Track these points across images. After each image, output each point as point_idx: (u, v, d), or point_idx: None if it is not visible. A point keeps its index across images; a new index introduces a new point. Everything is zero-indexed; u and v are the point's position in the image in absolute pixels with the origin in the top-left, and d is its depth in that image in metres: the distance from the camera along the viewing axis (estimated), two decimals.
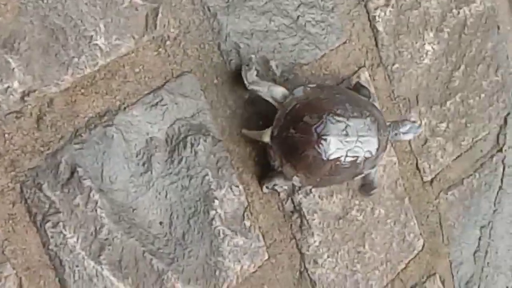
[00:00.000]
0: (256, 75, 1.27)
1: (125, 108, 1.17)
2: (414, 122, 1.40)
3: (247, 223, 1.30)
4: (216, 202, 1.25)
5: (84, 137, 1.13)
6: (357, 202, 1.44)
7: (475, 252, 1.67)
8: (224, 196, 1.27)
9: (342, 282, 1.43)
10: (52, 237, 1.11)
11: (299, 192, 1.36)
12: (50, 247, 1.11)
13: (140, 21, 1.18)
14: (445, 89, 1.58)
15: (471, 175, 1.66)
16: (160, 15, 1.19)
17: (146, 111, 1.19)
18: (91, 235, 1.14)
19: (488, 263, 1.69)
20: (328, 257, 1.41)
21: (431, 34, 1.55)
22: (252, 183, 1.31)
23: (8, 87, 1.07)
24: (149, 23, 1.19)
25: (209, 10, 1.25)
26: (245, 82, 1.26)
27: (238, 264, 1.28)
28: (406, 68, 1.52)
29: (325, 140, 1.22)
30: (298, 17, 1.36)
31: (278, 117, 1.26)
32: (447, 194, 1.61)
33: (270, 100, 1.27)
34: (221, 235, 1.26)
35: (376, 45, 1.48)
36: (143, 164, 1.19)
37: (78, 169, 1.12)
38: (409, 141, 1.53)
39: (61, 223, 1.11)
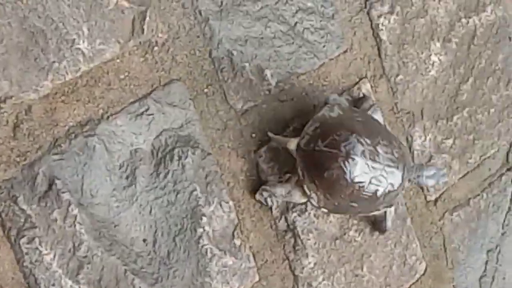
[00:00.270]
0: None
1: (108, 117, 1.17)
2: (440, 169, 1.41)
3: (237, 242, 1.29)
4: (204, 219, 1.25)
5: (64, 148, 1.13)
6: (355, 221, 1.44)
7: (481, 278, 1.67)
8: (212, 212, 1.26)
9: None
10: (27, 253, 1.11)
11: (293, 210, 1.36)
12: (25, 264, 1.11)
13: (126, 25, 1.18)
14: (452, 103, 1.58)
15: (478, 195, 1.66)
16: (147, 19, 1.19)
17: (130, 121, 1.19)
18: (69, 252, 1.14)
19: None
20: (323, 279, 1.40)
21: (438, 45, 1.55)
22: (243, 200, 1.31)
23: None
24: (136, 27, 1.19)
25: (200, 14, 1.25)
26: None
27: (227, 285, 1.28)
28: (411, 80, 1.52)
29: (352, 159, 1.24)
30: (295, 23, 1.36)
31: (306, 130, 1.28)
32: (452, 215, 1.61)
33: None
34: (209, 255, 1.26)
35: (379, 55, 1.48)
36: (127, 177, 1.19)
37: (57, 181, 1.12)
38: (412, 158, 1.53)
39: (37, 239, 1.11)
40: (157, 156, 1.22)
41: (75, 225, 1.14)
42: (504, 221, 1.71)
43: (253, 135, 1.32)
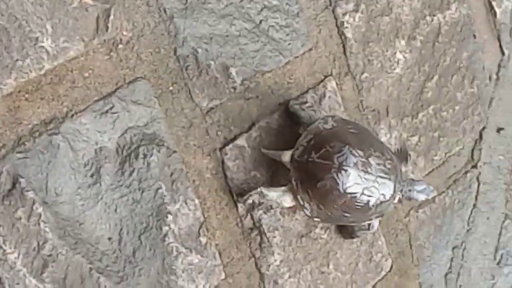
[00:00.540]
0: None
1: (72, 115, 1.18)
2: (429, 185, 1.46)
3: (203, 240, 1.31)
4: (170, 217, 1.26)
5: (28, 146, 1.14)
6: None
7: (446, 274, 1.69)
8: (178, 210, 1.28)
9: None
10: None
11: (259, 207, 1.37)
12: None
13: (91, 23, 1.19)
14: (417, 100, 1.61)
15: (443, 192, 1.68)
16: (112, 16, 1.20)
17: (95, 119, 1.20)
18: (34, 250, 1.14)
19: (460, 286, 1.71)
20: (289, 277, 1.42)
21: (403, 42, 1.58)
22: (209, 197, 1.32)
23: None
24: (100, 25, 1.20)
25: (165, 12, 1.27)
26: (290, 102, 1.39)
27: (193, 283, 1.29)
28: (376, 77, 1.54)
29: (345, 170, 1.28)
30: (260, 21, 1.38)
31: (300, 141, 1.33)
32: (417, 212, 1.63)
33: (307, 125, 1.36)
34: (175, 253, 1.27)
35: (344, 52, 1.50)
36: (92, 176, 1.20)
37: (21, 179, 1.13)
38: None
39: (0, 238, 1.11)
40: (122, 154, 1.23)
41: (39, 224, 1.14)
42: (469, 218, 1.74)
43: (219, 133, 1.34)
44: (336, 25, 1.48)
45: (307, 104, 1.41)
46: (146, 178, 1.24)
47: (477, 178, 1.74)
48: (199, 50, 1.31)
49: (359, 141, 1.32)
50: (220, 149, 1.34)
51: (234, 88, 1.35)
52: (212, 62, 1.32)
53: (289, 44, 1.41)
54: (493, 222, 1.76)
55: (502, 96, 1.76)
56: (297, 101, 1.40)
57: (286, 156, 1.33)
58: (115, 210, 1.22)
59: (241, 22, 1.35)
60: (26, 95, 1.13)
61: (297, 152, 1.32)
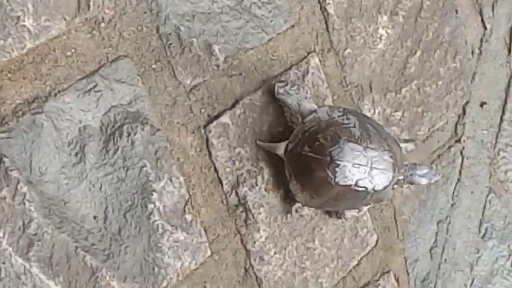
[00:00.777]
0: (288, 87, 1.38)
1: (55, 94, 1.18)
2: (432, 169, 1.45)
3: (188, 217, 1.32)
4: (155, 195, 1.27)
5: (11, 125, 1.14)
6: None
7: (431, 248, 1.71)
8: (163, 188, 1.28)
9: (290, 280, 1.45)
10: None
11: (244, 184, 1.38)
12: None
13: (72, 1, 1.19)
14: (400, 76, 1.62)
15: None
16: None
17: (78, 98, 1.20)
18: (19, 230, 1.15)
19: (445, 259, 1.73)
20: (275, 253, 1.43)
21: (385, 18, 1.58)
22: (194, 175, 1.33)
23: None
24: (81, 3, 1.20)
25: None
26: (276, 92, 1.38)
27: (179, 260, 1.30)
28: (359, 53, 1.55)
29: (337, 165, 1.29)
30: None
31: (295, 133, 1.34)
32: (402, 187, 1.64)
33: (297, 113, 1.37)
34: (160, 230, 1.28)
35: (327, 29, 1.50)
36: (76, 155, 1.20)
37: (5, 159, 1.13)
38: None
39: None
40: (106, 133, 1.23)
41: (24, 203, 1.15)
42: (453, 192, 1.75)
43: (202, 110, 1.34)
44: (319, 1, 1.49)
45: (293, 88, 1.41)
46: (130, 156, 1.25)
47: (461, 153, 1.75)
48: (182, 28, 1.31)
49: (354, 132, 1.32)
50: (204, 126, 1.35)
51: (217, 66, 1.36)
52: (194, 40, 1.32)
53: (271, 21, 1.42)
54: (477, 196, 1.78)
55: (484, 71, 1.77)
56: (282, 84, 1.40)
57: (280, 149, 1.36)
58: (100, 188, 1.22)
59: None
60: (9, 75, 1.13)
61: (291, 144, 1.34)
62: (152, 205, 1.27)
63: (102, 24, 1.22)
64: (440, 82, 1.68)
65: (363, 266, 1.58)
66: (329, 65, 1.51)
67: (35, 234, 1.16)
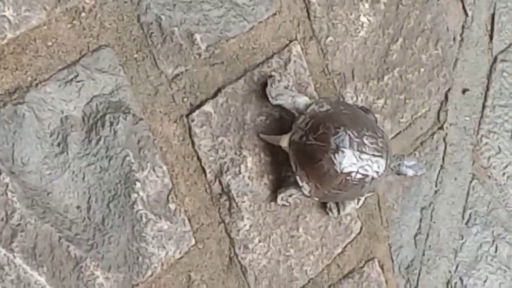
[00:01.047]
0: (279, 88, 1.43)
1: (37, 84, 1.18)
2: (420, 161, 1.56)
3: (172, 207, 1.32)
4: (138, 184, 1.28)
5: None
6: None
7: (415, 235, 1.72)
8: (146, 178, 1.29)
9: (274, 268, 1.46)
10: None
11: (227, 173, 1.39)
12: None
13: None
14: (382, 63, 1.63)
15: (410, 154, 1.71)
16: None
17: (60, 88, 1.21)
18: (2, 220, 1.15)
19: (429, 246, 1.74)
20: (259, 241, 1.44)
21: (367, 5, 1.59)
22: (177, 164, 1.33)
23: None
24: None
25: None
26: (269, 98, 1.42)
27: (163, 250, 1.31)
28: (341, 41, 1.55)
29: (342, 151, 1.35)
30: None
31: (298, 124, 1.39)
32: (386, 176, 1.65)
33: (293, 110, 1.41)
34: (144, 220, 1.28)
35: (308, 17, 1.51)
36: (58, 145, 1.20)
37: None
38: None
39: None
40: (89, 123, 1.23)
41: (7, 194, 1.15)
42: (437, 179, 1.76)
43: (185, 99, 1.34)
44: None
45: (282, 83, 1.44)
46: (113, 146, 1.25)
47: (444, 139, 1.76)
48: (163, 17, 1.31)
49: (353, 122, 1.38)
50: (187, 115, 1.35)
51: (199, 55, 1.36)
52: (176, 29, 1.33)
53: (253, 9, 1.42)
54: (461, 183, 1.79)
55: (466, 57, 1.78)
56: (273, 85, 1.43)
57: (284, 141, 1.39)
58: (83, 178, 1.23)
59: None
60: None
61: (295, 135, 1.38)
62: (135, 195, 1.27)
63: (83, 14, 1.22)
64: (422, 69, 1.69)
65: (347, 254, 1.59)
66: (311, 53, 1.51)
67: (18, 225, 1.16)
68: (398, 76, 1.65)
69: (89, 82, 1.23)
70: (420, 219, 1.73)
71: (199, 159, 1.36)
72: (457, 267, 1.78)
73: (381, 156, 1.40)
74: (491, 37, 1.82)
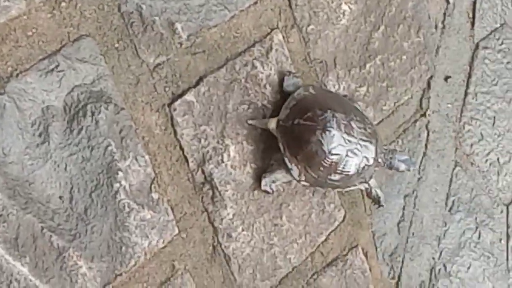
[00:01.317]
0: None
1: (17, 74, 1.18)
2: (411, 157, 1.60)
3: (155, 196, 1.33)
4: (120, 174, 1.28)
5: None
6: None
7: (399, 223, 1.73)
8: (128, 167, 1.29)
9: (258, 257, 1.47)
10: None
11: (210, 162, 1.39)
12: None
13: None
14: (364, 51, 1.63)
15: (393, 141, 1.71)
16: None
17: (41, 78, 1.21)
18: None
19: (413, 233, 1.75)
20: (242, 230, 1.45)
21: None
22: (159, 153, 1.34)
23: None
24: None
25: None
26: (284, 86, 1.47)
27: (146, 239, 1.31)
28: (322, 29, 1.56)
29: (329, 131, 1.37)
30: None
31: (286, 106, 1.41)
32: None
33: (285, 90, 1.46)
34: (127, 209, 1.29)
35: (290, 5, 1.51)
36: (40, 135, 1.21)
37: None
38: None
39: None
40: (70, 113, 1.24)
41: None
42: (420, 166, 1.77)
43: (167, 89, 1.35)
44: None
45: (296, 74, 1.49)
46: (95, 135, 1.26)
47: (426, 127, 1.77)
48: (143, 6, 1.31)
49: (340, 106, 1.41)
50: (169, 104, 1.35)
51: (180, 44, 1.36)
52: (157, 18, 1.33)
53: None
54: (444, 170, 1.80)
55: (448, 45, 1.79)
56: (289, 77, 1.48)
57: (272, 123, 1.41)
58: (65, 168, 1.23)
59: None
60: None
61: (283, 117, 1.40)
62: (117, 184, 1.28)
63: (63, 4, 1.23)
64: (404, 57, 1.70)
65: (331, 242, 1.60)
66: (293, 42, 1.52)
67: (0, 215, 1.16)
68: (380, 64, 1.66)
69: (70, 72, 1.23)
70: (404, 207, 1.74)
71: (181, 148, 1.37)
72: (440, 254, 1.79)
73: (370, 142, 1.42)
74: (472, 24, 1.84)
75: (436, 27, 1.77)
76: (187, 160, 1.37)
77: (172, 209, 1.35)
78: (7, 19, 1.16)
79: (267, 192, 1.45)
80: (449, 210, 1.81)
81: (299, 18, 1.52)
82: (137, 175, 1.30)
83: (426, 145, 1.78)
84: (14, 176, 1.18)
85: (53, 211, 1.22)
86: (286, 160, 1.40)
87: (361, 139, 1.40)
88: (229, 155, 1.41)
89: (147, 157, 1.32)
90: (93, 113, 1.25)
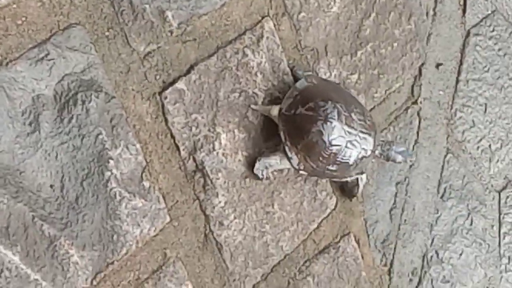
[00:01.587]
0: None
1: (7, 63, 1.18)
2: (408, 149, 1.63)
3: (146, 184, 1.33)
4: (111, 162, 1.28)
5: None
6: None
7: (391, 210, 1.74)
8: (119, 155, 1.29)
9: (250, 244, 1.47)
10: None
11: (201, 150, 1.39)
12: None
13: None
14: (356, 38, 1.64)
15: (385, 128, 1.72)
16: None
17: (31, 67, 1.21)
18: None
19: (405, 220, 1.75)
20: (234, 218, 1.45)
21: None
22: (150, 142, 1.34)
23: None
24: None
25: None
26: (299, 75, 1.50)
27: (137, 227, 1.32)
28: (313, 17, 1.56)
29: (330, 122, 1.39)
30: None
31: (288, 96, 1.44)
32: None
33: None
34: (118, 197, 1.29)
35: None
36: (30, 124, 1.21)
37: None
38: None
39: None
40: (60, 101, 1.24)
41: None
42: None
43: (157, 77, 1.35)
44: None
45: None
46: (85, 124, 1.26)
47: (418, 114, 1.78)
48: None
49: (341, 97, 1.42)
50: (160, 93, 1.35)
51: (171, 32, 1.36)
52: (147, 6, 1.33)
53: None
54: (435, 157, 1.81)
55: (439, 32, 1.79)
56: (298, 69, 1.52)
57: (274, 111, 1.43)
58: (56, 157, 1.23)
59: None
60: None
61: (285, 106, 1.42)
62: (109, 173, 1.28)
63: None
64: (395, 44, 1.70)
65: (323, 229, 1.60)
66: (284, 29, 1.52)
67: None
68: (372, 51, 1.66)
69: (60, 61, 1.23)
70: (395, 194, 1.74)
71: (172, 136, 1.37)
72: (432, 240, 1.80)
73: (369, 134, 1.44)
74: (464, 11, 1.84)
75: (427, 14, 1.77)
76: (178, 148, 1.38)
77: (163, 197, 1.35)
78: None
79: (258, 178, 1.45)
80: (441, 197, 1.82)
81: (290, 5, 1.52)
82: (128, 163, 1.30)
83: (417, 133, 1.78)
84: (4, 165, 1.18)
85: (44, 200, 1.22)
86: (287, 149, 1.42)
87: (360, 131, 1.42)
88: (220, 143, 1.42)
89: (138, 145, 1.32)
90: (83, 102, 1.25)
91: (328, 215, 1.61)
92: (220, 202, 1.42)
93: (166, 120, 1.36)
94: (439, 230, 1.81)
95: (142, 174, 1.32)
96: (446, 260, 1.81)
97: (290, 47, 1.53)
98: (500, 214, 1.90)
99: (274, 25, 1.50)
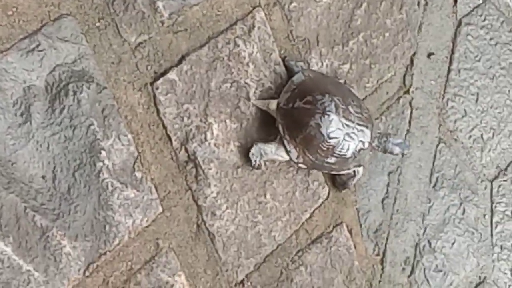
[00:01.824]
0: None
1: None
2: (405, 141, 1.64)
3: (138, 175, 1.33)
4: (103, 153, 1.28)
5: None
6: None
7: (383, 199, 1.74)
8: (111, 146, 1.30)
9: (242, 234, 1.48)
10: None
11: (193, 140, 1.40)
12: None
13: None
14: (347, 28, 1.64)
15: (377, 118, 1.72)
16: None
17: (22, 58, 1.21)
18: None
19: (397, 210, 1.76)
20: (227, 208, 1.45)
21: None
22: (142, 132, 1.34)
23: None
24: None
25: None
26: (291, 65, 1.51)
27: (130, 218, 1.32)
28: (305, 6, 1.56)
29: (328, 115, 1.40)
30: None
31: (286, 90, 1.45)
32: None
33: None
34: (110, 188, 1.29)
35: None
36: (21, 115, 1.21)
37: None
38: None
39: None
40: (52, 92, 1.24)
41: None
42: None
43: (149, 67, 1.35)
44: None
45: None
46: (77, 115, 1.26)
47: (410, 104, 1.78)
48: None
49: (338, 90, 1.44)
50: (151, 83, 1.36)
51: (162, 22, 1.36)
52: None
53: None
54: (427, 147, 1.81)
55: (431, 21, 1.80)
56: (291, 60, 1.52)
57: (273, 105, 1.44)
58: (48, 148, 1.23)
59: None
60: None
61: (283, 100, 1.43)
62: (100, 163, 1.28)
63: None
64: (387, 34, 1.71)
65: (315, 219, 1.61)
66: (275, 19, 1.52)
67: None
68: (363, 41, 1.66)
69: (51, 51, 1.23)
70: (388, 183, 1.75)
71: (164, 127, 1.37)
72: (425, 230, 1.80)
73: (366, 127, 1.45)
74: (455, 0, 1.84)
75: (418, 3, 1.77)
76: (170, 139, 1.38)
77: (155, 187, 1.36)
78: None
79: (250, 164, 1.45)
80: (433, 187, 1.82)
81: None
82: (120, 154, 1.30)
83: (409, 122, 1.78)
84: None
85: (36, 191, 1.22)
86: (285, 142, 1.43)
87: (358, 123, 1.44)
88: (212, 134, 1.42)
89: (130, 136, 1.32)
90: (75, 93, 1.25)
91: (321, 205, 1.61)
92: (212, 192, 1.43)
93: (157, 111, 1.36)
94: (432, 220, 1.81)
95: (134, 164, 1.32)
96: (439, 249, 1.81)
97: (282, 37, 1.53)
98: (492, 203, 1.90)
99: (266, 15, 1.50)
